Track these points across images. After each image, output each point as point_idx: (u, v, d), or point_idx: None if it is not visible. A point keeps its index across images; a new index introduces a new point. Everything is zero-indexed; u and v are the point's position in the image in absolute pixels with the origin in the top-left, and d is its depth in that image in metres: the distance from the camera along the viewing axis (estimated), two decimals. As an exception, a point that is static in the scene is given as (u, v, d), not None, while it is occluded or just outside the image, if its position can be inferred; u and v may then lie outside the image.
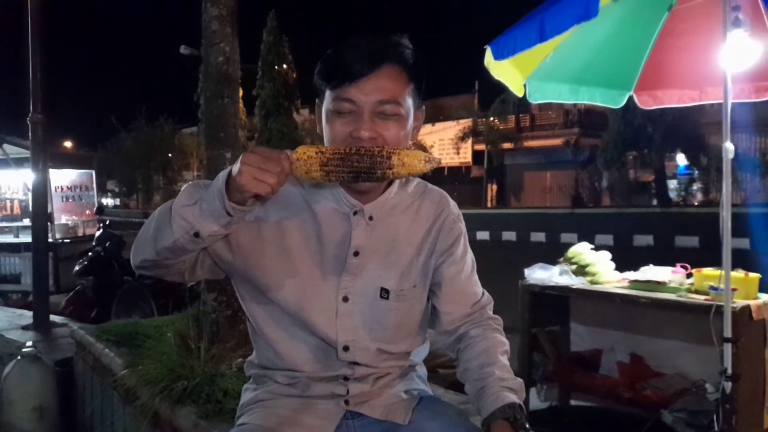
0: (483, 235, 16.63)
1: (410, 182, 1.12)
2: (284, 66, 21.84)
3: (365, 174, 0.91)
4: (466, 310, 1.11)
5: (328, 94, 1.00)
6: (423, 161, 0.91)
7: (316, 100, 1.07)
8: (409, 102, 1.01)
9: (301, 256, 1.04)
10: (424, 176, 1.13)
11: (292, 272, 1.04)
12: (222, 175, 0.90)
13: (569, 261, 2.78)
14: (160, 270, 1.01)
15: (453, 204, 1.15)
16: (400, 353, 1.11)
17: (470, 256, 1.15)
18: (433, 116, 23.72)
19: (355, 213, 1.04)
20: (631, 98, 2.87)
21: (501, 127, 23.02)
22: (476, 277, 1.16)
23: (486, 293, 1.16)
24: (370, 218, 1.05)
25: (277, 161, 0.87)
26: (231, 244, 1.02)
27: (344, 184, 1.01)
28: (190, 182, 0.98)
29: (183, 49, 18.12)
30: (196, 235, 0.92)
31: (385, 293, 1.06)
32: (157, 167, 35.66)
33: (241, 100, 2.86)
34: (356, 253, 1.04)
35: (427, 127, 23.63)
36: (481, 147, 23.74)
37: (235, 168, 0.88)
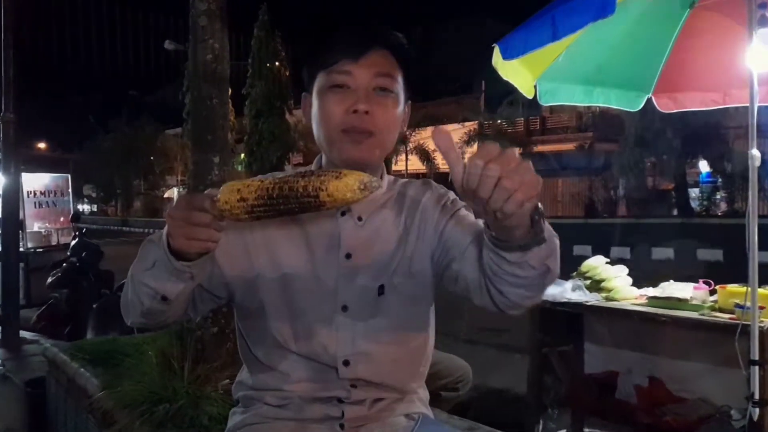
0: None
1: (398, 181, 1.16)
2: (276, 63, 21.89)
3: (295, 213, 0.89)
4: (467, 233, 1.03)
5: (320, 76, 1.04)
6: (357, 189, 0.82)
7: (303, 94, 1.11)
8: (401, 85, 1.06)
9: (292, 268, 1.05)
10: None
11: (286, 287, 1.05)
12: (164, 235, 0.89)
13: (583, 275, 2.78)
14: (159, 324, 1.03)
15: (437, 185, 1.17)
16: (403, 366, 1.12)
17: (459, 202, 1.12)
18: (437, 118, 23.83)
19: (342, 214, 1.06)
20: (649, 101, 2.89)
21: (509, 131, 23.11)
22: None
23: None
24: (359, 218, 1.07)
25: (201, 211, 0.85)
26: (223, 269, 1.03)
27: None
28: (146, 239, 0.98)
29: (168, 45, 18.21)
30: (164, 298, 0.93)
31: (381, 289, 1.07)
32: (138, 171, 35.71)
33: (229, 100, 2.87)
34: (348, 256, 1.05)
35: (430, 130, 23.71)
36: (488, 151, 23.78)
37: (167, 229, 0.88)
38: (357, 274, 1.06)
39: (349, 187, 0.82)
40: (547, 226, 0.85)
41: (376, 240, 1.08)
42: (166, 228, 0.89)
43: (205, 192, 0.89)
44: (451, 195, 1.14)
